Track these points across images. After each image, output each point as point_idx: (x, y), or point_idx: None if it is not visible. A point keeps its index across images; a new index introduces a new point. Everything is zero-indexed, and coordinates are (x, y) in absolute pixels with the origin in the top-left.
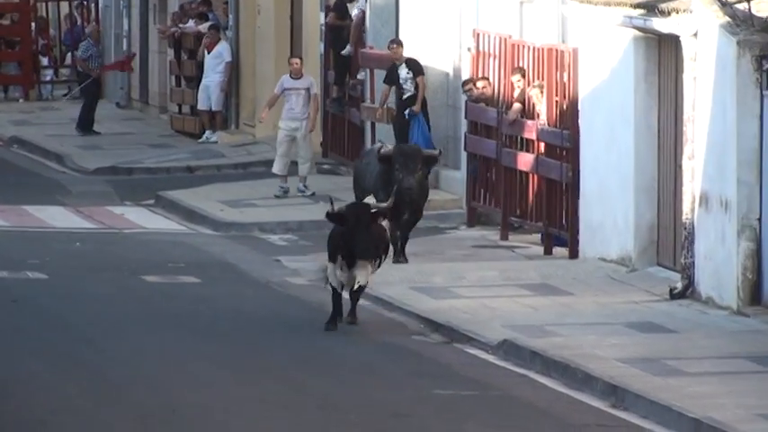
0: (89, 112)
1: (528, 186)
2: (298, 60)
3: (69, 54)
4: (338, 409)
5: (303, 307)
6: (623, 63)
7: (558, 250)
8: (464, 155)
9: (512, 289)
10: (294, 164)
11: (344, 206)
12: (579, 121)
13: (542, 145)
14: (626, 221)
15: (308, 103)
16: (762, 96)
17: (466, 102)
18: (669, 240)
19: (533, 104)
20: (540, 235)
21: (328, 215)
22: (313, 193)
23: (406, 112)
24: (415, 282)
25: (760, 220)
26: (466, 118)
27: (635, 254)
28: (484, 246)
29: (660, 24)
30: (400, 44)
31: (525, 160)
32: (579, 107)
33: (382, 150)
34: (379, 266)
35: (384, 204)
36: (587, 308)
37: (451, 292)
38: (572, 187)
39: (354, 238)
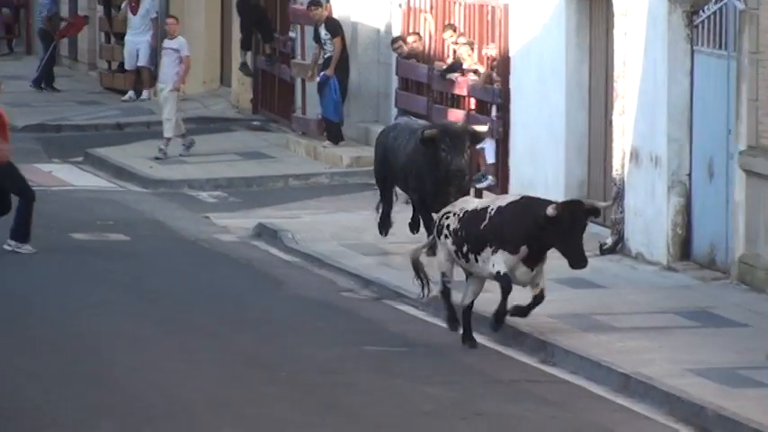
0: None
1: None
2: (171, 20)
3: None
4: (267, 367)
5: (232, 264)
6: (554, 19)
7: None
8: (395, 111)
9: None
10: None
11: (560, 203)
12: (510, 78)
13: (473, 101)
14: (557, 178)
15: (177, 64)
16: (692, 52)
17: (397, 58)
18: (599, 196)
19: (463, 61)
20: (471, 191)
21: (558, 207)
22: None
23: (320, 74)
24: (344, 238)
25: (690, 175)
26: (397, 74)
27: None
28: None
29: None
30: (318, 5)
31: (456, 117)
32: (510, 63)
33: (426, 132)
34: None
35: (603, 203)
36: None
37: (381, 248)
38: (503, 144)
39: (570, 243)
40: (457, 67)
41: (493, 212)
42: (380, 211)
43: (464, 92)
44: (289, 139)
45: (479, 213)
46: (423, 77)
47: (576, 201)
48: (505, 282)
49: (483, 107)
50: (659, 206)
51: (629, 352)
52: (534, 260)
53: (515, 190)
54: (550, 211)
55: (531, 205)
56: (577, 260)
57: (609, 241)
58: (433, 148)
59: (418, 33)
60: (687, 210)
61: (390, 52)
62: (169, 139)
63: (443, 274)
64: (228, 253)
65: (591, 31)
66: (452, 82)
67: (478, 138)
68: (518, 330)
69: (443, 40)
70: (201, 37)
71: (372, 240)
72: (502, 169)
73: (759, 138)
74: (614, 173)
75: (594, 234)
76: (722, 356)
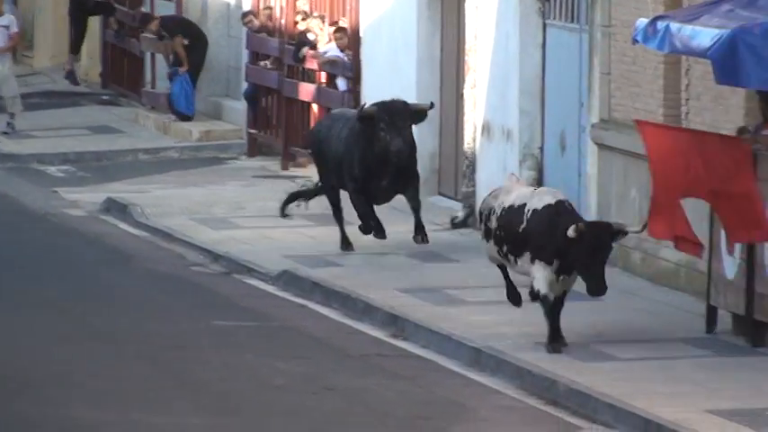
0: None
1: (309, 116)
2: None
3: None
4: (116, 341)
5: (81, 238)
6: None
7: None
8: (245, 85)
9: (292, 220)
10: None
11: (584, 224)
12: (361, 51)
13: (324, 75)
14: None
15: (8, 41)
16: (544, 26)
17: (247, 32)
18: (451, 170)
19: (315, 35)
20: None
21: (580, 230)
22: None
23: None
24: (194, 212)
25: (542, 149)
26: (247, 48)
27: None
28: (264, 176)
29: None
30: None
31: (307, 90)
32: (361, 36)
33: (365, 109)
34: None
35: (633, 228)
36: (368, 238)
37: (231, 222)
38: None
39: (590, 267)
40: (305, 41)
41: (529, 214)
42: (340, 226)
43: (314, 66)
44: (138, 113)
45: (517, 212)
46: (274, 51)
47: (603, 223)
48: (546, 306)
49: (335, 81)
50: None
51: (479, 326)
52: (569, 270)
53: None
54: (571, 232)
55: (559, 215)
56: (595, 288)
57: (460, 215)
58: (371, 127)
59: (270, 7)
60: (539, 182)
61: (241, 26)
62: (13, 115)
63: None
64: (77, 227)
65: (443, 4)
66: (304, 57)
67: (420, 116)
68: (369, 305)
69: (295, 14)
70: (49, 11)
71: (222, 215)
72: None
73: (611, 111)
74: (466, 146)
75: (446, 208)
76: (574, 331)
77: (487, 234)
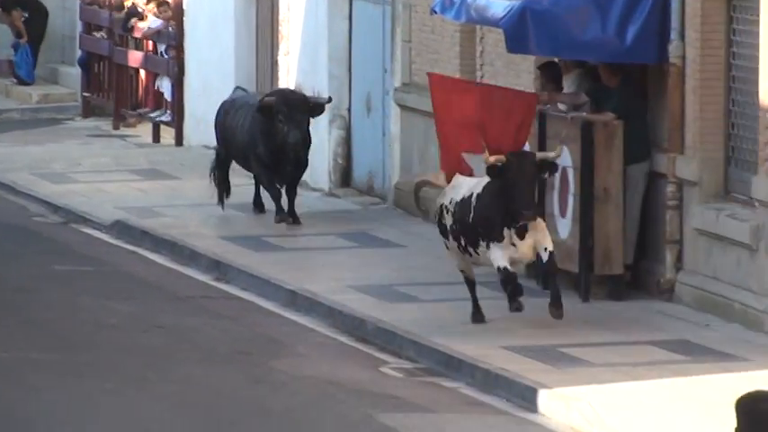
0: None
1: (138, 81)
2: None
3: None
4: None
5: None
6: None
7: (165, 138)
8: (80, 52)
9: (123, 174)
10: None
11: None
12: (184, 21)
13: (150, 43)
14: (225, 87)
15: None
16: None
17: (80, 4)
18: None
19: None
20: (150, 125)
21: (490, 168)
22: None
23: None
24: (35, 168)
25: (349, 110)
26: (81, 19)
27: None
28: (98, 135)
29: None
30: None
31: (135, 57)
32: (184, 8)
33: (264, 100)
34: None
35: (552, 153)
36: (193, 191)
37: (69, 177)
38: (177, 82)
39: (516, 192)
40: (133, 13)
41: (474, 201)
42: (217, 184)
43: (141, 36)
44: None
45: (466, 204)
46: (105, 22)
47: (523, 152)
48: (505, 276)
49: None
50: (321, 138)
51: (295, 270)
52: (522, 230)
53: (189, 124)
54: (491, 159)
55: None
56: (520, 205)
57: None
58: (270, 117)
59: None
60: (347, 141)
61: None
62: None
63: (462, 271)
64: None
65: None
66: (132, 27)
67: (319, 109)
68: (194, 251)
69: None
70: None
71: (61, 170)
72: (178, 105)
73: (412, 76)
74: None
75: None
76: (380, 274)
77: (444, 232)
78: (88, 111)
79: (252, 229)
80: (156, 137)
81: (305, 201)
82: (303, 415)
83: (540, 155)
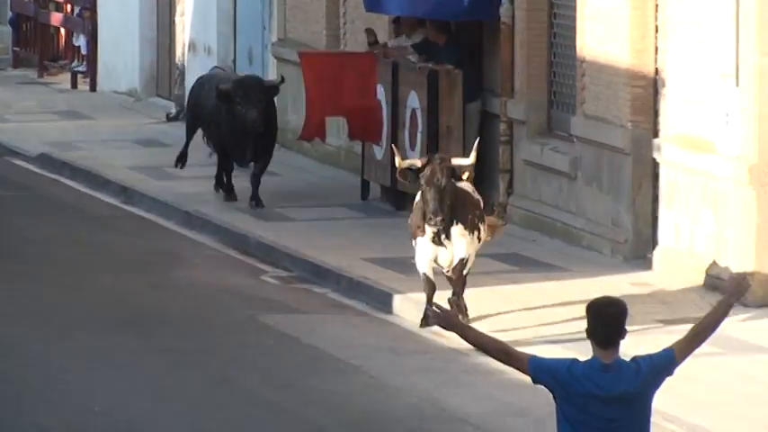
0: None
1: (59, 37)
2: None
3: None
4: None
5: None
6: None
7: (81, 85)
8: (11, 14)
9: (47, 115)
10: None
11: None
12: None
13: (69, 6)
14: (133, 63)
15: None
16: None
17: None
18: (166, 77)
19: None
20: (69, 74)
21: (403, 172)
22: None
23: None
24: None
25: (234, 62)
26: None
27: (140, 88)
28: (25, 83)
29: None
30: None
31: (56, 17)
32: None
33: (221, 87)
34: (479, 242)
35: (467, 161)
36: (105, 129)
37: (1, 117)
38: (92, 38)
39: (427, 197)
40: None
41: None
42: (181, 150)
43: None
44: None
45: None
46: None
47: (437, 157)
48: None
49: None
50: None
51: (191, 195)
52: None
53: (101, 73)
54: (403, 164)
55: None
56: (427, 210)
57: (173, 111)
58: (228, 102)
59: None
60: None
61: None
62: None
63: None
64: None
65: None
66: None
67: (274, 90)
68: (106, 179)
69: None
70: None
71: None
72: (92, 57)
73: (287, 32)
74: (177, 60)
75: (162, 106)
76: (263, 196)
77: None
78: (17, 62)
79: (153, 162)
80: (74, 84)
81: (196, 138)
82: (196, 315)
83: (455, 161)
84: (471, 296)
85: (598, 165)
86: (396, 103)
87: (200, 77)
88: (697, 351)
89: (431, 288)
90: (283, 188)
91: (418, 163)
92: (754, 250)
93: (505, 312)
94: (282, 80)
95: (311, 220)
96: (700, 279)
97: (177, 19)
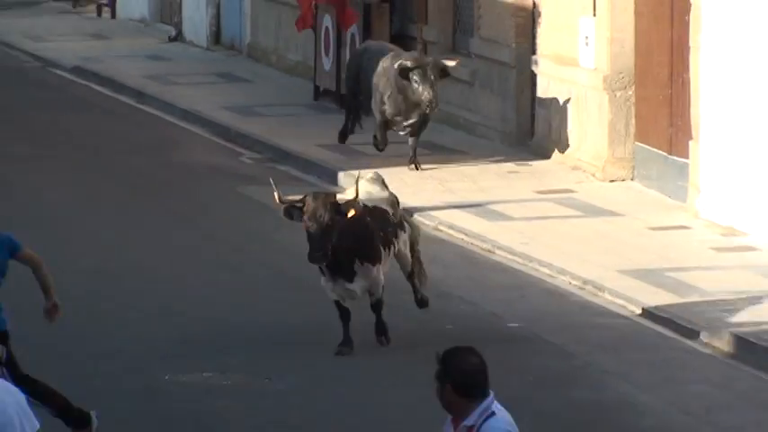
0: None
1: None
2: None
3: None
4: None
5: None
6: None
7: (105, 13)
8: None
9: (79, 37)
10: None
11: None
12: None
13: None
14: None
15: None
16: None
17: None
18: (168, 8)
19: None
20: (95, 5)
21: (287, 210)
22: None
23: None
24: (24, 33)
25: None
26: None
27: (149, 16)
28: (62, 12)
29: None
30: None
31: None
32: None
33: (402, 63)
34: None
35: (349, 197)
36: (123, 47)
37: (45, 39)
38: None
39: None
40: None
41: None
42: (345, 122)
43: None
44: None
45: None
46: None
47: (321, 195)
48: (337, 307)
49: None
50: (201, 13)
51: (189, 97)
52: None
53: (120, 5)
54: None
55: None
56: (310, 249)
57: (173, 34)
58: (407, 78)
59: None
60: (217, 17)
61: None
62: None
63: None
64: None
65: None
66: None
67: (446, 72)
68: (123, 84)
69: None
70: None
71: (39, 34)
72: None
73: None
74: None
75: (166, 30)
76: (239, 98)
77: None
78: None
79: (160, 71)
80: (99, 13)
81: (192, 53)
82: (190, 186)
83: (340, 197)
84: (393, 173)
85: (490, 75)
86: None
87: (356, 50)
88: (563, 213)
89: (342, 314)
90: (257, 92)
91: (297, 198)
92: (607, 139)
93: (422, 190)
94: (458, 62)
95: (277, 116)
96: (566, 160)
97: None
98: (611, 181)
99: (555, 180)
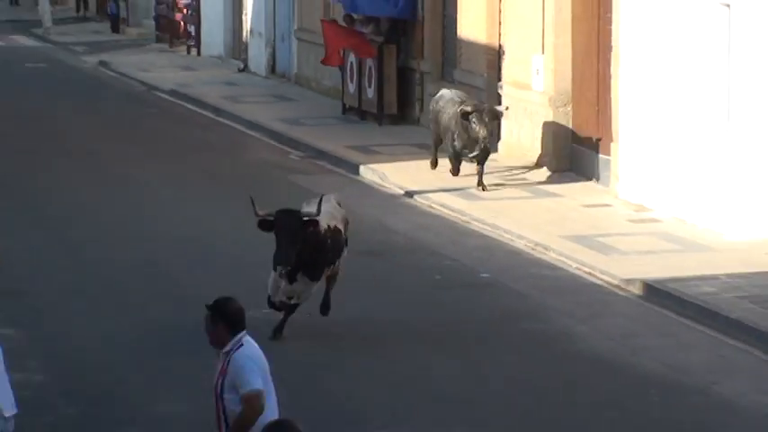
0: None
1: (180, 26)
2: None
3: None
4: None
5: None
6: None
7: (192, 52)
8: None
9: (174, 68)
10: None
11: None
12: None
13: (185, 9)
14: (220, 40)
15: None
16: None
17: None
18: (237, 49)
19: None
20: (185, 47)
21: (260, 223)
22: None
23: None
24: (135, 66)
25: (273, 40)
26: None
27: (224, 53)
28: (162, 51)
29: None
30: None
31: (178, 16)
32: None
33: (461, 108)
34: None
35: (314, 210)
36: (205, 76)
37: (149, 69)
38: (197, 27)
39: (277, 245)
40: None
41: None
42: (433, 151)
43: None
44: None
45: None
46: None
47: (289, 210)
48: (269, 304)
49: None
50: (262, 52)
51: (252, 111)
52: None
53: (203, 46)
54: (260, 213)
55: None
56: (276, 256)
57: (241, 66)
58: (467, 119)
59: None
60: (273, 55)
61: None
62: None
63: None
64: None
65: None
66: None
67: (498, 115)
68: (205, 101)
69: None
70: None
71: (146, 67)
72: (197, 38)
73: (302, 23)
74: (243, 39)
75: (236, 64)
76: (289, 113)
77: None
78: (158, 40)
79: (232, 93)
80: (188, 51)
81: (255, 81)
82: (252, 175)
83: (304, 212)
84: (399, 167)
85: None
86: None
87: (434, 98)
88: (521, 195)
89: (280, 310)
90: (300, 108)
91: (271, 213)
92: (552, 142)
93: (420, 179)
94: (507, 108)
95: (315, 125)
96: (523, 158)
97: (243, 17)
98: (555, 172)
99: (514, 172)
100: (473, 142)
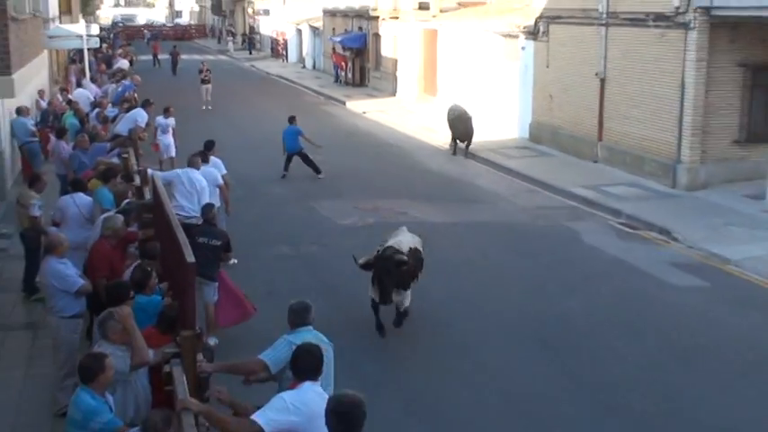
0: None
1: (278, 46)
2: None
3: None
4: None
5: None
6: None
7: (281, 60)
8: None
9: (276, 65)
10: None
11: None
12: None
13: (283, 36)
14: (294, 55)
15: None
16: None
17: None
18: (302, 55)
19: None
20: (279, 57)
21: (362, 267)
22: None
23: None
24: (256, 66)
25: (303, 62)
26: None
27: (297, 59)
28: (269, 58)
29: None
30: None
31: (278, 43)
32: None
33: (450, 110)
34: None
35: (404, 257)
36: (290, 72)
37: (263, 70)
38: (284, 47)
39: (381, 283)
40: None
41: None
42: (452, 143)
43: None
44: None
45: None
46: None
47: (387, 256)
48: (372, 304)
49: None
50: (310, 60)
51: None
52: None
53: (289, 57)
54: (361, 261)
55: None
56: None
57: (302, 65)
58: (459, 123)
59: None
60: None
61: None
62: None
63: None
64: None
65: None
66: None
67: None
68: (290, 80)
69: None
70: None
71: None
72: (285, 53)
73: None
74: (303, 56)
75: (300, 65)
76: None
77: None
78: (272, 56)
79: (302, 74)
80: (282, 59)
81: (304, 72)
82: (299, 106)
83: (396, 258)
84: (368, 105)
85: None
86: (345, 64)
87: (449, 108)
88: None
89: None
90: (323, 82)
91: (370, 260)
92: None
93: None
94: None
95: (328, 87)
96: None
97: (302, 47)
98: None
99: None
100: (462, 133)
